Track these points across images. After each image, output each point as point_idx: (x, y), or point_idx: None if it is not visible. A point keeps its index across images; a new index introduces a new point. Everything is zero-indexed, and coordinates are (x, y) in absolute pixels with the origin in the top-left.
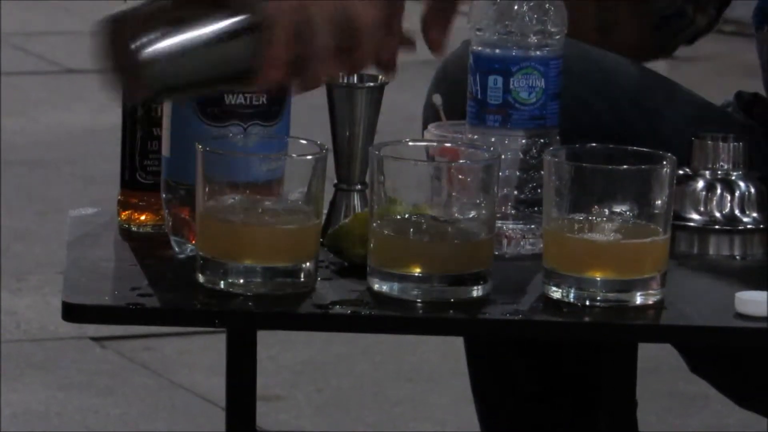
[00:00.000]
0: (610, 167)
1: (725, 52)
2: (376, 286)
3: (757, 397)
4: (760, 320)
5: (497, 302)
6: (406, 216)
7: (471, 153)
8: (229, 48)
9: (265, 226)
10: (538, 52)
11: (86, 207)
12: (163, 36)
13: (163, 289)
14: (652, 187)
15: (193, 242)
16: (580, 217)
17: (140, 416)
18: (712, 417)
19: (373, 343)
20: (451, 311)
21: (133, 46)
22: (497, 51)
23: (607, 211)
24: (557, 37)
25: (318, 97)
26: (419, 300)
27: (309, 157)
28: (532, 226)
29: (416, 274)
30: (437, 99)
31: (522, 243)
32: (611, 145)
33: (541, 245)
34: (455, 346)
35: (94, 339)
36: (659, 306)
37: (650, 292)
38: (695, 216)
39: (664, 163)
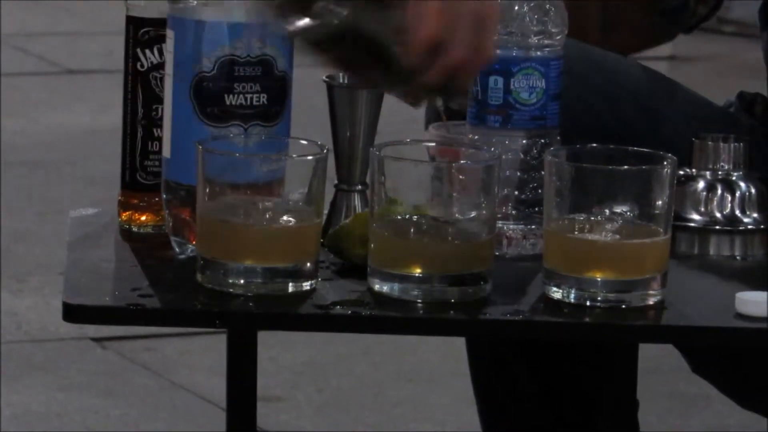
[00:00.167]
0: (610, 167)
1: (726, 52)
2: (376, 287)
3: (758, 398)
4: (761, 320)
5: (498, 303)
6: (407, 216)
7: (472, 153)
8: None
9: (266, 227)
10: (538, 53)
11: (87, 207)
12: None
13: (163, 289)
14: (652, 187)
15: (194, 243)
16: (581, 217)
17: (141, 417)
18: (712, 417)
19: (373, 344)
20: (452, 312)
21: None
22: (498, 51)
23: (607, 211)
24: (558, 37)
25: (318, 97)
26: (420, 300)
27: (309, 157)
28: (533, 227)
29: (417, 275)
30: (438, 100)
31: (522, 243)
32: (612, 146)
33: (542, 245)
34: (456, 346)
35: (95, 339)
36: (660, 306)
37: (651, 292)
38: (696, 216)
39: (665, 163)
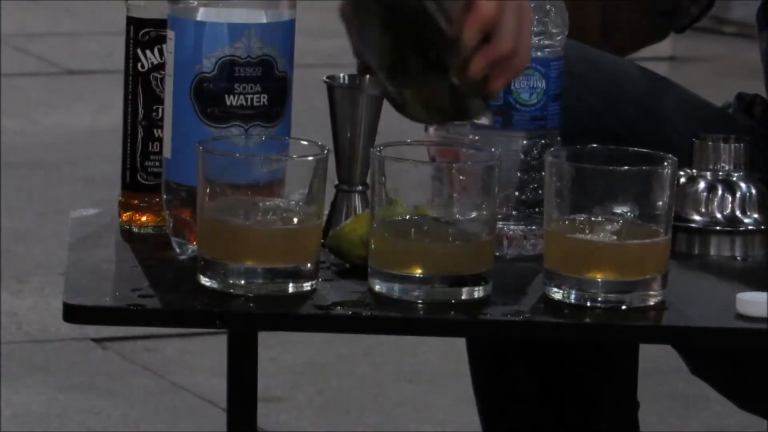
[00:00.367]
0: (610, 168)
1: (726, 53)
2: (376, 287)
3: (758, 399)
4: (761, 321)
5: (498, 303)
6: (407, 217)
7: (472, 154)
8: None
9: (266, 227)
10: (538, 53)
11: (87, 208)
12: None
13: (164, 290)
14: (653, 187)
15: (194, 243)
16: (581, 217)
17: (141, 417)
18: (713, 418)
19: (373, 344)
20: (452, 312)
21: None
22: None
23: (608, 212)
24: (558, 38)
25: (319, 98)
26: (420, 301)
27: (310, 158)
28: (533, 227)
29: (417, 275)
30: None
31: (523, 244)
32: (612, 146)
33: (542, 246)
34: (456, 347)
35: (95, 340)
36: (660, 307)
37: (651, 293)
38: (696, 217)
39: (665, 164)
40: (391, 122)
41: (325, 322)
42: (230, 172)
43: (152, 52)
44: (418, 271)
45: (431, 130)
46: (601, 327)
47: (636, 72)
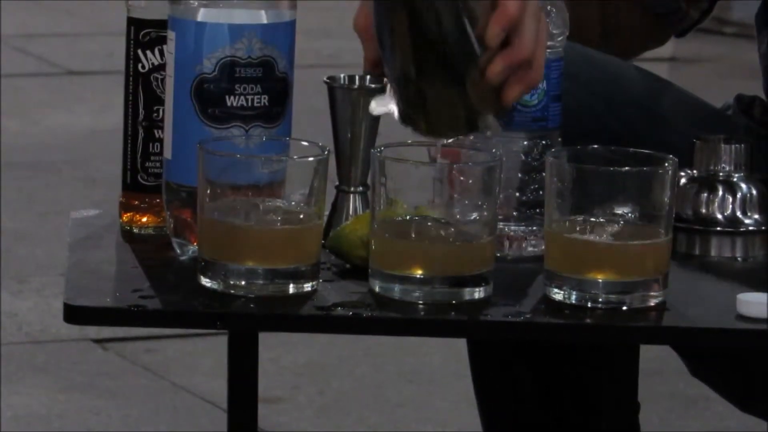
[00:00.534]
0: (611, 169)
1: (726, 53)
2: (377, 288)
3: (758, 400)
4: (762, 322)
5: (499, 304)
6: (408, 218)
7: (472, 155)
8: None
9: (267, 228)
10: None
11: (88, 209)
12: None
13: (164, 290)
14: (653, 188)
15: (195, 244)
16: (582, 218)
17: (142, 418)
18: (713, 419)
19: (374, 345)
20: (453, 313)
21: None
22: None
23: (608, 212)
24: (559, 38)
25: (319, 98)
26: (421, 302)
27: (310, 158)
28: (534, 228)
29: (418, 276)
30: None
31: (524, 245)
32: (613, 147)
33: (543, 247)
34: (457, 347)
35: (96, 341)
36: (661, 308)
37: (652, 293)
38: (697, 217)
39: (666, 164)
40: (392, 123)
41: (325, 322)
42: (231, 173)
43: (153, 52)
44: (418, 272)
45: None
46: (602, 328)
47: (636, 73)
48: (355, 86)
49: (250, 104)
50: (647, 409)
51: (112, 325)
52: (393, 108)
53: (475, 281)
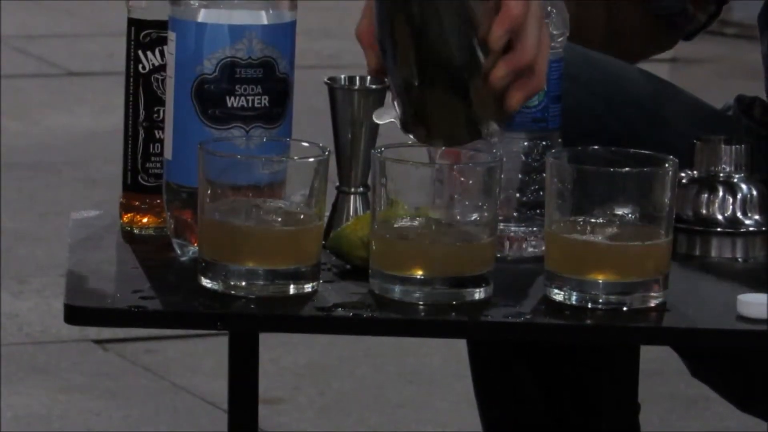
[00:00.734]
0: (612, 169)
1: (727, 54)
2: (377, 289)
3: (759, 401)
4: (762, 323)
5: (499, 305)
6: (408, 218)
7: (473, 155)
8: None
9: (267, 229)
10: None
11: (88, 209)
12: None
13: (165, 291)
14: (654, 189)
15: (195, 245)
16: (582, 219)
17: (142, 419)
18: (713, 419)
19: (374, 346)
20: (453, 314)
21: None
22: None
23: (609, 213)
24: (559, 39)
25: (320, 99)
26: (421, 302)
27: (311, 159)
28: (534, 229)
29: (418, 277)
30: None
31: (524, 245)
32: (613, 148)
33: (543, 247)
34: (457, 348)
35: (96, 341)
36: (661, 308)
37: (652, 294)
38: (697, 218)
39: (666, 165)
40: (392, 123)
41: (326, 323)
42: (231, 174)
43: (153, 53)
44: (419, 273)
45: None
46: (602, 328)
47: (636, 74)
48: (356, 87)
49: (250, 105)
50: (647, 410)
51: (113, 326)
52: (396, 117)
53: (476, 282)
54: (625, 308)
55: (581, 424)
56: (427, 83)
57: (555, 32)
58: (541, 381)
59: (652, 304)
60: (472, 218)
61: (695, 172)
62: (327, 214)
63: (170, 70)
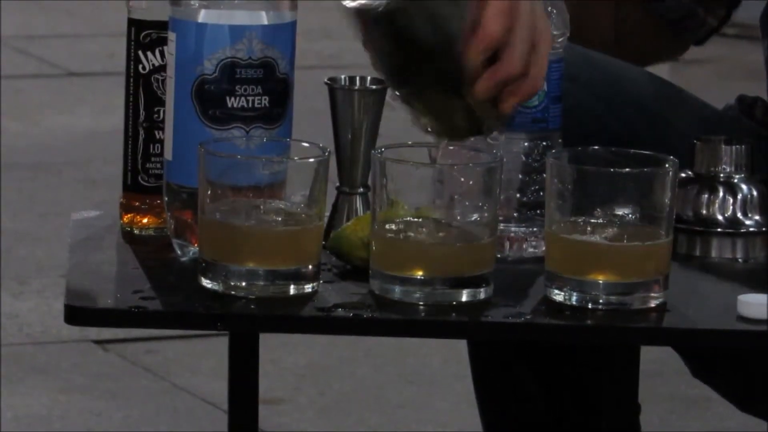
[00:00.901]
0: (612, 170)
1: (728, 54)
2: (378, 289)
3: (759, 401)
4: (762, 323)
5: (499, 305)
6: (408, 219)
7: (473, 156)
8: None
9: (267, 229)
10: None
11: (88, 210)
12: None
13: (165, 292)
14: (654, 189)
15: (195, 245)
16: (582, 219)
17: (142, 419)
18: (714, 420)
19: (375, 346)
20: (453, 314)
21: None
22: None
23: (609, 213)
24: (559, 40)
25: (320, 100)
26: (421, 303)
27: (311, 159)
28: (535, 229)
29: (418, 277)
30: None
31: (524, 246)
32: (613, 148)
33: (543, 248)
34: (457, 348)
35: (97, 342)
36: (661, 309)
37: (652, 294)
38: (697, 219)
39: (666, 165)
40: (393, 124)
41: (326, 323)
42: (231, 174)
43: (153, 53)
44: (419, 273)
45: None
46: (603, 329)
47: (637, 74)
48: (356, 87)
49: (250, 105)
50: (648, 410)
51: (113, 327)
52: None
53: (476, 282)
54: (625, 308)
55: (581, 425)
56: (422, 92)
57: (555, 32)
58: (541, 381)
59: (653, 305)
60: (473, 218)
61: (695, 172)
62: (327, 214)
63: (170, 71)
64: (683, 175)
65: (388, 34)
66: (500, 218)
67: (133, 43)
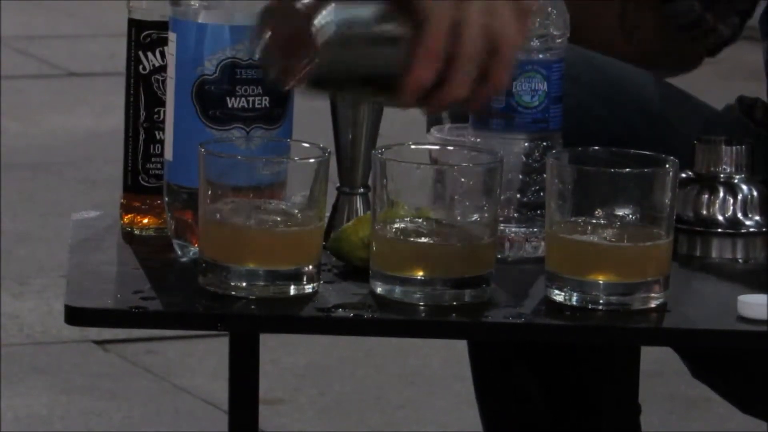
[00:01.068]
0: (612, 170)
1: (729, 55)
2: (378, 290)
3: (759, 402)
4: (762, 323)
5: (500, 305)
6: (409, 219)
7: (474, 156)
8: (386, 48)
9: (268, 230)
10: (540, 56)
11: (89, 210)
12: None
13: (165, 292)
14: (654, 190)
15: (196, 245)
16: (583, 220)
17: (143, 420)
18: (714, 420)
19: (375, 347)
20: (454, 314)
21: (312, 28)
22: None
23: (609, 214)
24: (559, 40)
25: (320, 100)
26: (421, 303)
27: (311, 160)
28: (535, 230)
29: (419, 278)
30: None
31: (524, 246)
32: (614, 149)
33: (544, 248)
34: (457, 349)
35: (97, 342)
36: (662, 309)
37: (653, 295)
38: (698, 219)
39: (667, 166)
40: (393, 124)
41: (326, 324)
42: (232, 175)
43: (154, 54)
44: (419, 274)
45: (433, 131)
46: (603, 329)
47: (637, 75)
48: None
49: (251, 105)
50: (648, 411)
51: (113, 327)
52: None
53: (476, 283)
54: (625, 309)
55: (581, 425)
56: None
57: (555, 33)
58: (541, 382)
59: (653, 305)
60: (473, 219)
61: (696, 172)
62: (327, 214)
63: (171, 71)
64: (683, 175)
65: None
66: (500, 219)
67: (133, 43)
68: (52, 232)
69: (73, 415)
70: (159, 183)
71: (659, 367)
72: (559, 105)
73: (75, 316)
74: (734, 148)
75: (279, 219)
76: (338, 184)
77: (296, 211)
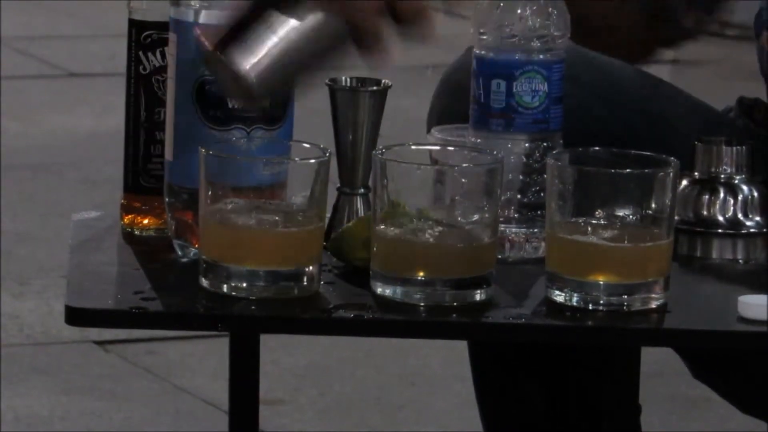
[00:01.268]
0: (613, 171)
1: (728, 56)
2: (378, 290)
3: (760, 402)
4: (763, 324)
5: (500, 306)
6: (409, 220)
7: (474, 157)
8: (320, 35)
9: (268, 230)
10: (541, 56)
11: (89, 211)
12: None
13: (166, 292)
14: (654, 190)
15: (196, 246)
16: (583, 220)
17: (143, 420)
18: (714, 421)
19: (375, 347)
20: (454, 315)
21: (240, 72)
22: (500, 55)
23: (610, 214)
24: (560, 40)
25: (321, 101)
26: (422, 304)
27: (312, 160)
28: (535, 230)
29: (419, 278)
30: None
31: (525, 247)
32: (614, 149)
33: (544, 249)
34: (458, 349)
35: (97, 343)
36: (662, 310)
37: (653, 295)
38: (698, 220)
39: (667, 166)
40: (393, 125)
41: (326, 324)
42: (232, 175)
43: (154, 54)
44: (420, 274)
45: (434, 132)
46: (603, 330)
47: (637, 76)
48: (357, 88)
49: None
50: (648, 411)
51: (114, 327)
52: None
53: (477, 283)
54: (625, 309)
55: (582, 426)
56: None
57: (556, 33)
58: (542, 382)
59: (653, 306)
60: (474, 219)
61: (696, 173)
62: (328, 215)
63: (171, 72)
64: (684, 175)
65: None
66: (501, 219)
67: (133, 43)
68: (53, 232)
69: (73, 415)
70: (159, 183)
71: (659, 368)
72: (560, 105)
73: (75, 316)
74: (734, 148)
75: (279, 219)
76: (339, 185)
77: (297, 211)
